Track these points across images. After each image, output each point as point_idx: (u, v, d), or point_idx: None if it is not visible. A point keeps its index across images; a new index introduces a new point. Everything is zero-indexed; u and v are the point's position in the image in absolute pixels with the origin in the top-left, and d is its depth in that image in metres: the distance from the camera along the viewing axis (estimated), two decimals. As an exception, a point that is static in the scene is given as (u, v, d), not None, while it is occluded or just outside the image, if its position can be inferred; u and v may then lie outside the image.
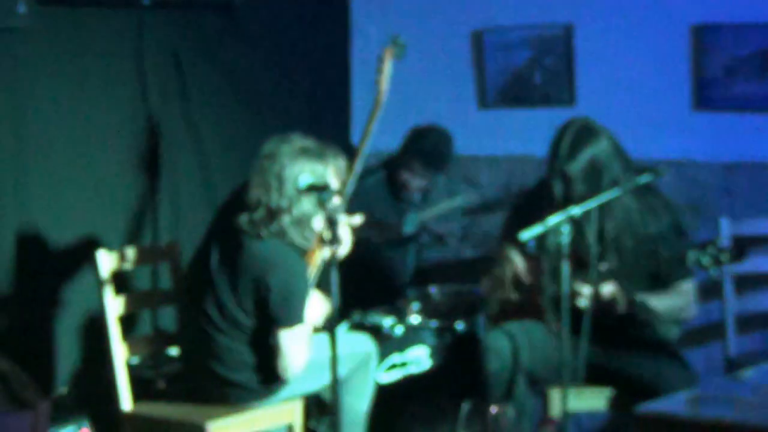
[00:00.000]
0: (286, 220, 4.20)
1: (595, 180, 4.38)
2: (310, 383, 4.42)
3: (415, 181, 5.61)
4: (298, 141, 4.28)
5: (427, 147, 5.60)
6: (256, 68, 5.93)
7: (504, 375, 4.48)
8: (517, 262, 4.65)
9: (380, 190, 5.66)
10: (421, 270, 6.00)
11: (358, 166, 4.44)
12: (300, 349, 4.24)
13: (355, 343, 4.56)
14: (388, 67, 4.51)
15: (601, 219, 4.39)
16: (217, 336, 4.27)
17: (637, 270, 4.39)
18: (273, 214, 4.20)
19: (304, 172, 4.17)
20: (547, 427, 4.47)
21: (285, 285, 4.19)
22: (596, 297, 4.35)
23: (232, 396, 4.31)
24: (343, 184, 4.34)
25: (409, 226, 5.67)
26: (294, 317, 4.21)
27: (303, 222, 4.23)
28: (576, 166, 4.38)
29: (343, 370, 4.26)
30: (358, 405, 4.53)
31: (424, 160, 5.58)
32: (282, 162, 4.21)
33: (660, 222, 4.48)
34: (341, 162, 4.31)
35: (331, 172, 4.26)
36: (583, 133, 4.44)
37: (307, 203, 4.20)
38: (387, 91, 4.51)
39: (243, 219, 4.22)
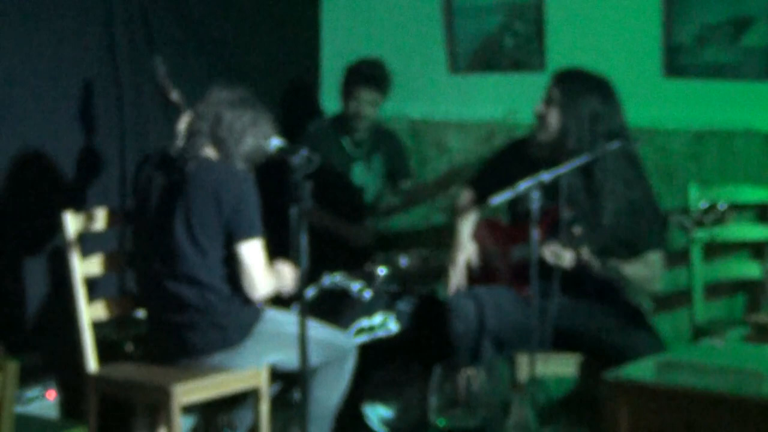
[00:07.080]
0: (231, 148, 4.33)
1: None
2: (274, 354, 4.39)
3: (364, 108, 5.65)
4: (239, 90, 4.43)
5: (364, 71, 5.69)
6: (225, 24, 5.87)
7: (470, 337, 4.48)
8: (470, 249, 4.71)
9: (325, 136, 5.69)
10: (389, 235, 6.00)
11: None
12: (262, 262, 4.29)
13: (335, 336, 4.55)
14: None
15: (583, 183, 4.41)
16: (168, 282, 4.29)
17: (612, 236, 4.40)
18: (218, 141, 4.34)
19: (246, 119, 4.34)
20: (516, 392, 4.49)
21: (237, 197, 4.26)
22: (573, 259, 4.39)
23: (189, 343, 4.28)
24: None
25: (357, 177, 5.76)
26: (250, 228, 4.27)
27: (251, 154, 4.37)
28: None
29: (315, 358, 4.24)
30: (327, 398, 4.48)
31: (366, 83, 5.64)
32: (230, 104, 4.37)
33: (636, 190, 4.49)
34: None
35: (267, 119, 4.41)
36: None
37: (251, 139, 4.34)
38: None
39: (181, 145, 4.36)
